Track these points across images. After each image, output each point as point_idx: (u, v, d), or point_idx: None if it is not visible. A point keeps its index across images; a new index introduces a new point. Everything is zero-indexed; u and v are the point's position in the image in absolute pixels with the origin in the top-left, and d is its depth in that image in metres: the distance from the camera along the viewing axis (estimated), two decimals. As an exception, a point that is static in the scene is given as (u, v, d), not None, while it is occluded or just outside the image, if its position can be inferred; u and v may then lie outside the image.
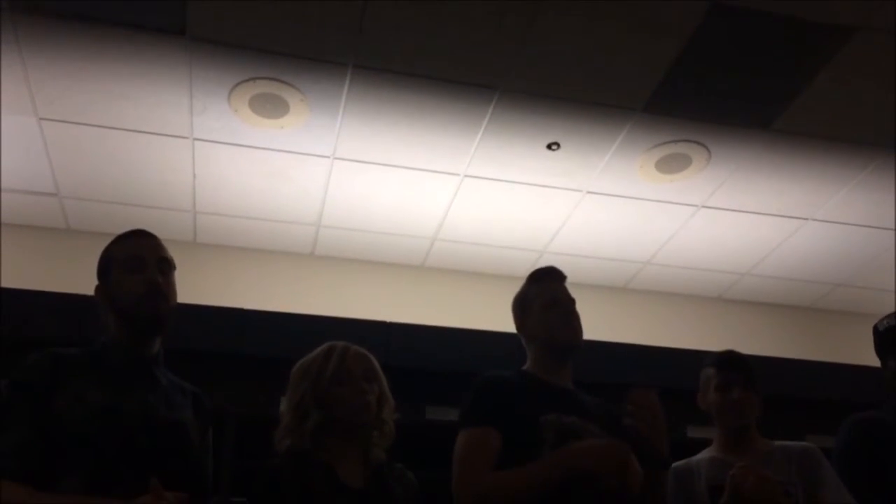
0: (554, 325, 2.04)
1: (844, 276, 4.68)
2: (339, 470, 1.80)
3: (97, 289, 1.79)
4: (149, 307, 1.70)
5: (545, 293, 2.10)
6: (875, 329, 2.34)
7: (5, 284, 3.07)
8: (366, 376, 1.90)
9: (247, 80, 3.18)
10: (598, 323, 4.16)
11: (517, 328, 2.14)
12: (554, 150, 3.61)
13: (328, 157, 3.65)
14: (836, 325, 4.92)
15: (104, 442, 1.55)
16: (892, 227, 4.17)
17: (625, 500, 1.79)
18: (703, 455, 2.26)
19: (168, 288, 1.77)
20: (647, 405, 1.85)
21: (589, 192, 3.94)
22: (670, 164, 3.72)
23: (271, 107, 3.32)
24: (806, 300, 4.97)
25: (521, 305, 2.13)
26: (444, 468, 1.89)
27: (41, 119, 3.38)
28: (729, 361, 2.27)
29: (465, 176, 3.80)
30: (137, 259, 1.75)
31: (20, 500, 1.45)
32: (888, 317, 2.32)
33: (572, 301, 2.10)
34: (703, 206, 4.06)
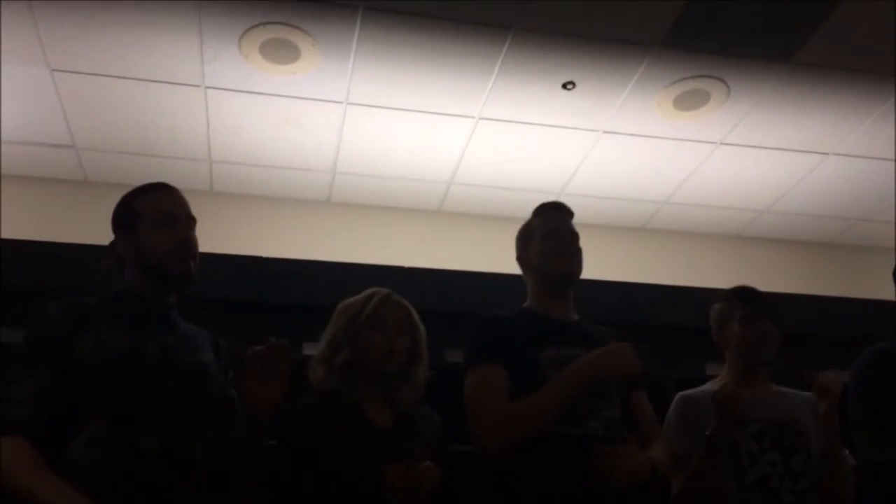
0: (550, 254, 2.03)
1: (866, 211, 4.63)
2: (368, 409, 1.85)
3: (116, 241, 1.79)
4: (179, 265, 1.72)
5: (546, 224, 2.10)
6: None
7: (25, 237, 3.10)
8: (399, 327, 1.92)
9: (256, 26, 3.15)
10: (617, 263, 4.17)
11: (517, 259, 2.14)
12: (569, 89, 3.56)
13: (341, 102, 3.62)
14: (859, 259, 4.88)
15: (128, 383, 1.58)
16: (916, 160, 4.10)
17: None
18: (712, 387, 2.27)
19: (196, 245, 1.78)
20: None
21: (606, 132, 3.89)
22: (688, 101, 3.66)
23: (282, 52, 3.29)
24: (827, 235, 4.93)
25: (523, 236, 2.14)
26: (464, 408, 1.92)
27: (53, 70, 3.37)
28: (752, 295, 2.27)
29: (480, 118, 3.76)
30: (169, 215, 1.75)
31: (22, 465, 1.47)
32: None
33: (574, 234, 2.09)
34: (722, 143, 4.00)
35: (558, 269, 2.03)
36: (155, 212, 1.75)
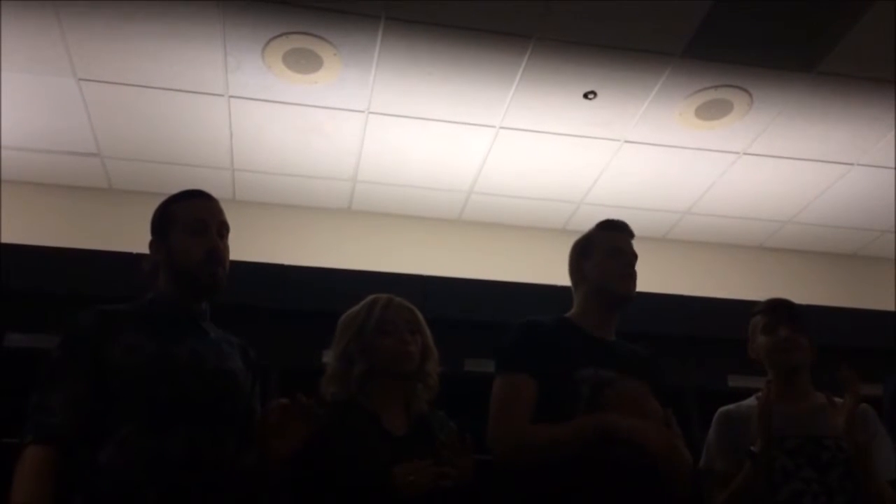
0: (612, 274, 2.01)
1: (891, 222, 4.57)
2: (383, 417, 1.85)
3: (152, 244, 1.82)
4: (208, 273, 1.74)
5: (612, 241, 2.07)
6: None
7: (50, 244, 3.14)
8: (409, 328, 1.93)
9: (280, 36, 3.18)
10: (638, 273, 4.14)
11: (571, 270, 2.10)
12: (591, 98, 3.55)
13: (362, 111, 3.64)
14: (883, 271, 4.82)
15: (158, 389, 1.60)
16: (942, 170, 4.05)
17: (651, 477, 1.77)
18: (753, 401, 2.24)
19: (226, 254, 1.80)
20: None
21: (627, 142, 3.88)
22: (711, 111, 3.65)
23: (305, 62, 3.31)
24: (851, 247, 4.88)
25: (583, 248, 2.09)
26: (483, 419, 1.91)
27: (80, 80, 3.42)
28: (775, 305, 2.25)
29: (501, 128, 3.77)
30: (201, 222, 1.78)
31: (29, 474, 1.49)
32: None
33: (636, 256, 2.07)
34: (745, 153, 3.98)
35: (621, 291, 2.01)
36: (187, 218, 1.78)
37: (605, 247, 2.05)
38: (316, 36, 3.18)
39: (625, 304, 2.03)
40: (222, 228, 1.81)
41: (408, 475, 1.67)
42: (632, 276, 2.03)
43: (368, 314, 1.93)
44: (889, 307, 3.91)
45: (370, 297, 1.98)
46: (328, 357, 1.99)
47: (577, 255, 2.10)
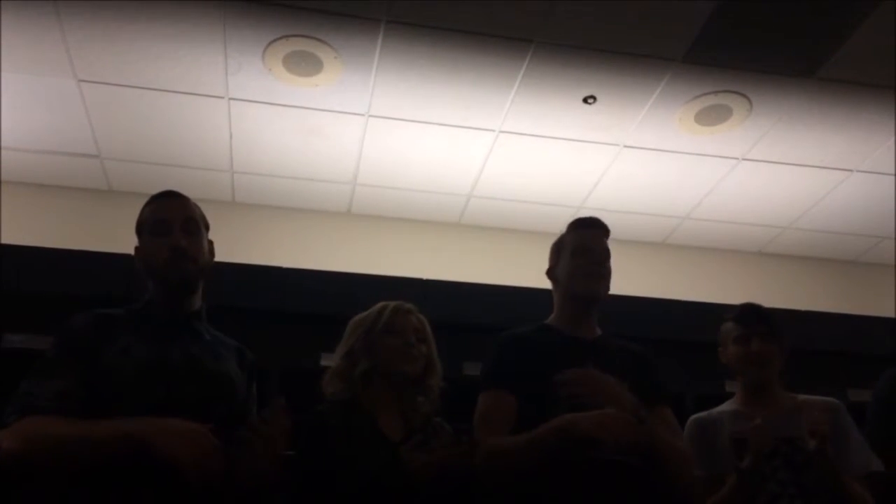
0: (576, 274, 2.00)
1: (891, 229, 4.58)
2: (381, 421, 1.85)
3: (135, 250, 1.83)
4: (174, 271, 1.73)
5: (578, 240, 2.06)
6: None
7: (49, 245, 3.14)
8: (416, 335, 1.95)
9: (280, 38, 3.18)
10: (637, 278, 4.15)
11: (546, 272, 2.11)
12: (590, 103, 3.56)
13: (363, 114, 3.64)
14: (883, 278, 4.82)
15: (152, 393, 1.59)
16: (942, 177, 4.05)
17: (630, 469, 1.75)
18: (725, 407, 2.25)
19: (195, 249, 1.77)
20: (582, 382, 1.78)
21: (626, 146, 3.88)
22: (710, 116, 3.65)
23: (305, 65, 3.32)
24: (851, 253, 4.88)
25: (555, 250, 2.11)
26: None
27: (80, 81, 3.42)
28: (748, 314, 2.23)
29: (501, 131, 3.77)
30: (162, 222, 1.77)
31: (51, 430, 1.48)
32: None
33: (605, 253, 2.04)
34: (744, 159, 3.98)
35: (583, 291, 2.00)
36: (151, 221, 1.79)
37: (573, 246, 2.05)
38: (316, 39, 3.19)
39: (593, 303, 2.01)
40: (189, 224, 1.78)
41: (419, 454, 1.68)
42: (597, 275, 2.00)
43: (378, 316, 1.96)
44: (889, 313, 3.91)
45: (382, 303, 2.01)
46: (331, 357, 2.00)
47: (551, 258, 2.11)
